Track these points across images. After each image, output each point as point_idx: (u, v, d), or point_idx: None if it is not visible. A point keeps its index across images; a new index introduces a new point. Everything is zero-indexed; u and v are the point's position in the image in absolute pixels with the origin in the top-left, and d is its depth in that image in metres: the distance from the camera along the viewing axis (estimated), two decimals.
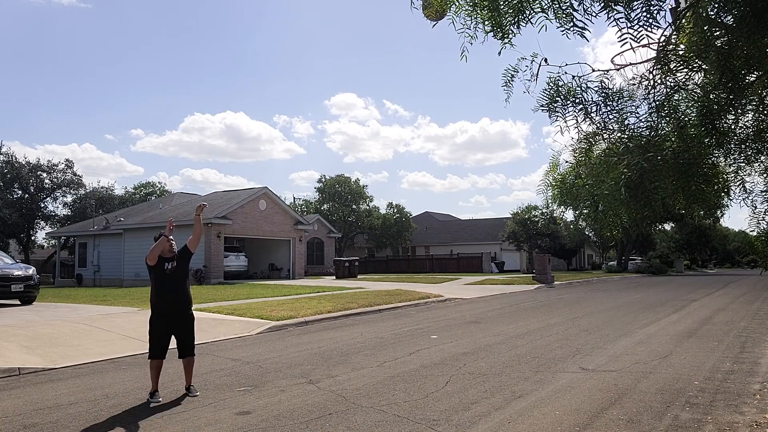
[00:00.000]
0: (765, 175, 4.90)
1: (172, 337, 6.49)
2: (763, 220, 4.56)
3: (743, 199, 4.71)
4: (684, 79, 4.55)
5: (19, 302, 16.36)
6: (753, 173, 4.88)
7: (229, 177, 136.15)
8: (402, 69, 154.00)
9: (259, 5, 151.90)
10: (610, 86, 4.55)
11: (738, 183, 4.70)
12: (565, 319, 13.01)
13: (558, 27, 3.99)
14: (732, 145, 4.62)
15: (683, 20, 4.29)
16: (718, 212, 5.00)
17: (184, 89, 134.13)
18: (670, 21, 4.31)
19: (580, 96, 4.45)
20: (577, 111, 4.50)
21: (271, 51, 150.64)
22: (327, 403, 5.79)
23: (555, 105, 4.50)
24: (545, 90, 4.51)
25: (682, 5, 4.29)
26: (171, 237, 6.52)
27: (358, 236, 53.04)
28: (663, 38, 4.39)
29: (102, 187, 51.65)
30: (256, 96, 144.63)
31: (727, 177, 4.70)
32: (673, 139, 4.34)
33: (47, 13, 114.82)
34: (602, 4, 3.79)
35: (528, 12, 4.01)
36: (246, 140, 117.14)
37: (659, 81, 4.52)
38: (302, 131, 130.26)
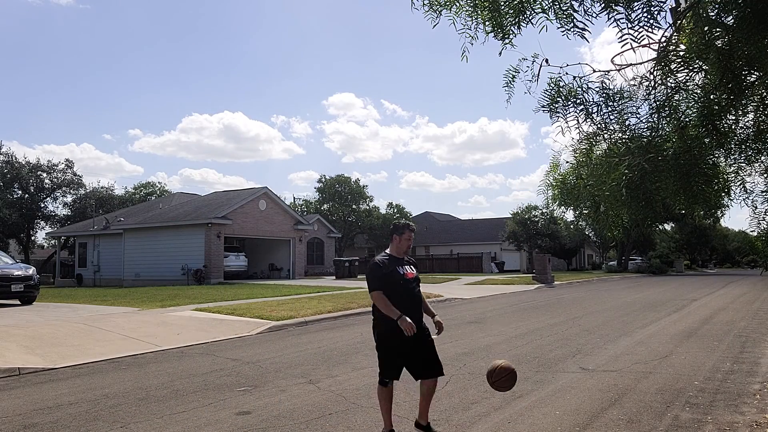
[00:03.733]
0: (765, 175, 4.91)
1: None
2: (764, 220, 4.56)
3: (743, 199, 4.72)
4: (684, 80, 4.55)
5: (19, 302, 16.37)
6: (753, 173, 4.88)
7: (228, 177, 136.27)
8: (400, 69, 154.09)
9: (257, 5, 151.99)
10: (611, 87, 4.55)
11: (738, 183, 4.71)
12: (565, 319, 13.01)
13: (558, 27, 4.00)
14: (732, 146, 4.63)
15: (683, 21, 4.29)
16: (719, 212, 5.00)
17: (181, 89, 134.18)
18: (671, 21, 4.31)
19: (581, 96, 4.46)
20: (578, 111, 4.50)
21: (269, 51, 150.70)
22: (327, 403, 5.79)
23: (556, 105, 4.50)
24: (546, 90, 4.51)
25: (683, 6, 4.28)
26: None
27: (358, 236, 53.04)
28: (663, 39, 4.39)
29: (102, 187, 51.74)
30: (254, 96, 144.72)
31: (727, 177, 4.70)
32: (673, 139, 4.34)
33: (45, 13, 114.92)
34: (603, 5, 3.79)
35: (529, 13, 4.02)
36: (244, 140, 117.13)
37: (660, 81, 4.52)
38: (300, 131, 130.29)
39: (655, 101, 4.53)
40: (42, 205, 47.16)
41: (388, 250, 4.87)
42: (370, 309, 4.86)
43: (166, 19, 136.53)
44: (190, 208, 33.22)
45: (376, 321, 4.80)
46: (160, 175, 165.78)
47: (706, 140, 4.31)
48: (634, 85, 4.64)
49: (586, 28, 3.92)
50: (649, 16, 3.72)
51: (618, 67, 4.56)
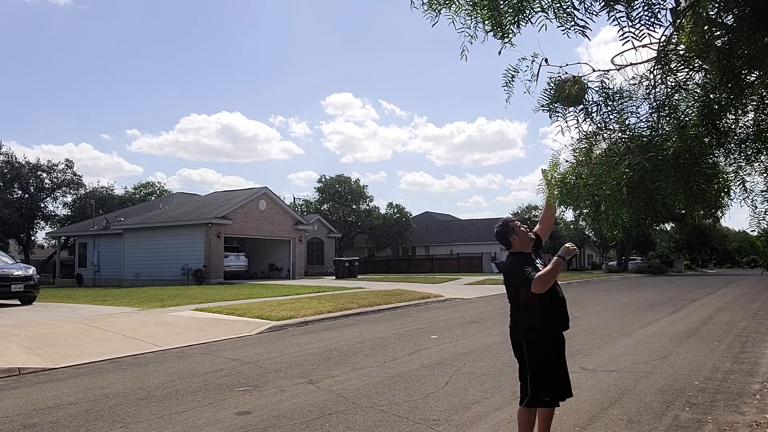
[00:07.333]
0: (765, 175, 4.89)
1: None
2: (764, 219, 4.55)
3: (743, 198, 4.70)
4: (684, 79, 4.55)
5: (19, 302, 16.37)
6: (753, 173, 4.87)
7: (227, 177, 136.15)
8: (398, 69, 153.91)
9: (254, 5, 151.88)
10: (611, 86, 4.54)
11: (738, 183, 4.69)
12: None
13: (558, 26, 3.99)
14: (732, 145, 4.61)
15: (683, 20, 4.28)
16: (719, 212, 4.99)
17: (179, 90, 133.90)
18: (671, 20, 4.30)
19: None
20: (577, 111, 4.50)
21: (266, 51, 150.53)
22: (327, 403, 5.78)
23: (555, 105, 4.49)
24: (546, 90, 4.50)
25: (683, 5, 4.28)
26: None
27: (358, 236, 53.02)
28: (663, 38, 4.38)
29: (102, 187, 51.76)
30: (252, 96, 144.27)
31: (727, 177, 4.69)
32: (674, 138, 4.34)
33: (43, 14, 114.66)
34: (603, 3, 3.79)
35: (528, 11, 4.01)
36: (243, 140, 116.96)
37: (660, 81, 4.51)
38: (299, 131, 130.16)
39: (655, 100, 4.52)
40: (42, 205, 47.19)
41: (513, 250, 4.23)
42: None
43: (164, 19, 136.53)
44: (190, 208, 33.22)
45: (524, 327, 4.08)
46: (159, 175, 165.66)
47: (706, 139, 4.29)
48: (634, 84, 4.63)
49: (588, 26, 3.92)
50: (650, 14, 3.71)
51: (618, 67, 4.56)
